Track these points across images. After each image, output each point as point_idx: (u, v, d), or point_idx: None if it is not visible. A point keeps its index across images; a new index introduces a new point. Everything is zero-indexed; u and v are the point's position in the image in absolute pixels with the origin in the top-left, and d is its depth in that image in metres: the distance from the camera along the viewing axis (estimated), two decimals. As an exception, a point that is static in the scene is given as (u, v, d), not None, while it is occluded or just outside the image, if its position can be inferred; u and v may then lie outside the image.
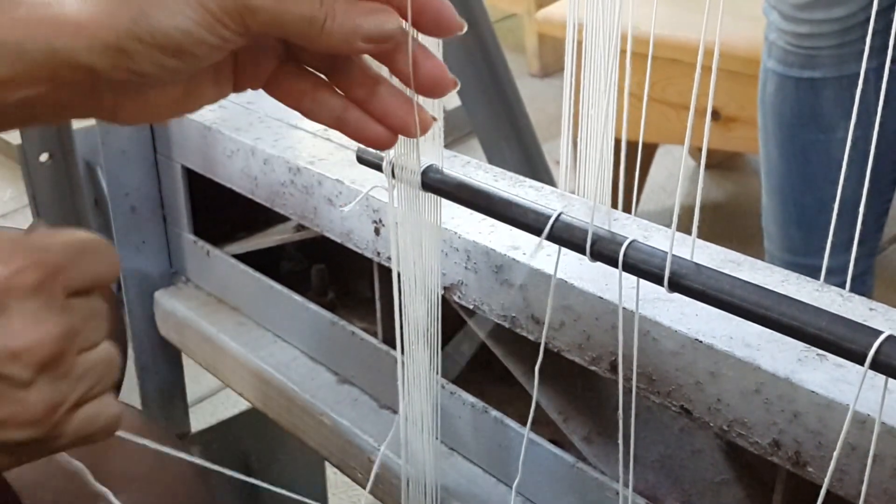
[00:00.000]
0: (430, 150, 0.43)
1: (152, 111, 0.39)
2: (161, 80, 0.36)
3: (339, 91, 0.40)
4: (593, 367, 0.46)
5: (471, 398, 0.55)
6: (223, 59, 0.38)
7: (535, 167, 1.38)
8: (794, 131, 1.12)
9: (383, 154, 0.45)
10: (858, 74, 1.12)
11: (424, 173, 0.43)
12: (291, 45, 0.39)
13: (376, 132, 0.39)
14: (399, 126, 0.39)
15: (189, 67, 0.36)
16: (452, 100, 1.79)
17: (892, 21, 0.99)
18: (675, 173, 1.84)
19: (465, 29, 0.39)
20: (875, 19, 1.09)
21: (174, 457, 0.51)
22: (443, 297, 0.52)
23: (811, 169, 1.12)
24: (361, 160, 0.46)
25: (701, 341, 0.41)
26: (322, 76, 0.40)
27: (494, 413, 0.53)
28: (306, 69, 0.40)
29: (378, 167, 0.45)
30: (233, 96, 0.44)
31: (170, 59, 0.35)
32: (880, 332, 0.30)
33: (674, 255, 0.35)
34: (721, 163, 1.89)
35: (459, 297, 0.52)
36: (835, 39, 1.04)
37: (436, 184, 0.43)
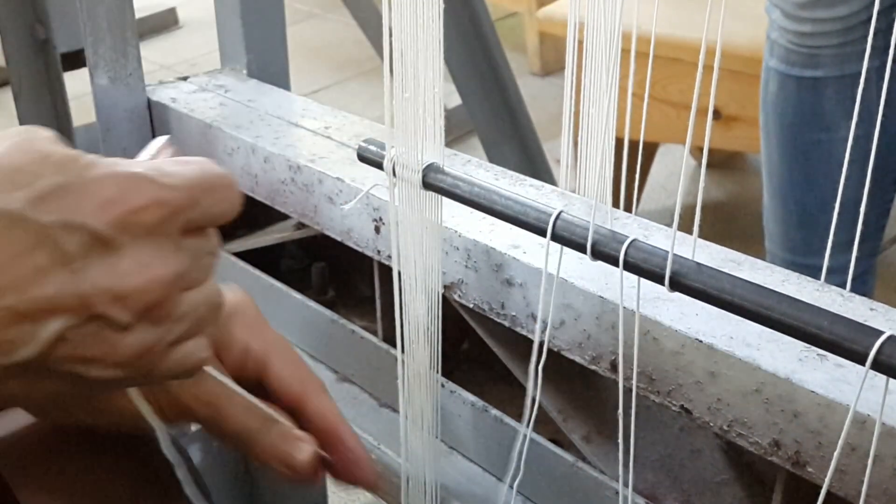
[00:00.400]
0: (432, 149, 0.43)
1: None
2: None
3: None
4: (593, 367, 0.46)
5: (471, 397, 0.55)
6: None
7: (536, 166, 1.38)
8: (796, 131, 1.12)
9: (384, 152, 0.45)
10: (860, 74, 1.11)
11: (425, 172, 0.43)
12: None
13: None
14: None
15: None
16: (453, 98, 1.79)
17: (894, 20, 0.99)
18: (676, 173, 1.84)
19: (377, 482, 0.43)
20: (877, 18, 1.09)
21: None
22: (443, 295, 0.52)
23: (812, 169, 1.12)
24: (362, 158, 0.46)
25: (701, 341, 0.40)
26: None
27: (494, 412, 0.53)
28: None
29: (379, 165, 0.45)
30: (234, 94, 0.44)
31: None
32: (881, 332, 0.30)
33: (675, 255, 0.35)
34: (722, 162, 1.89)
35: (459, 295, 0.52)
36: (837, 38, 1.04)
37: (437, 182, 0.43)
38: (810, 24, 1.06)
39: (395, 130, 0.43)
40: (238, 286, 0.42)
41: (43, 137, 0.30)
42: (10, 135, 0.29)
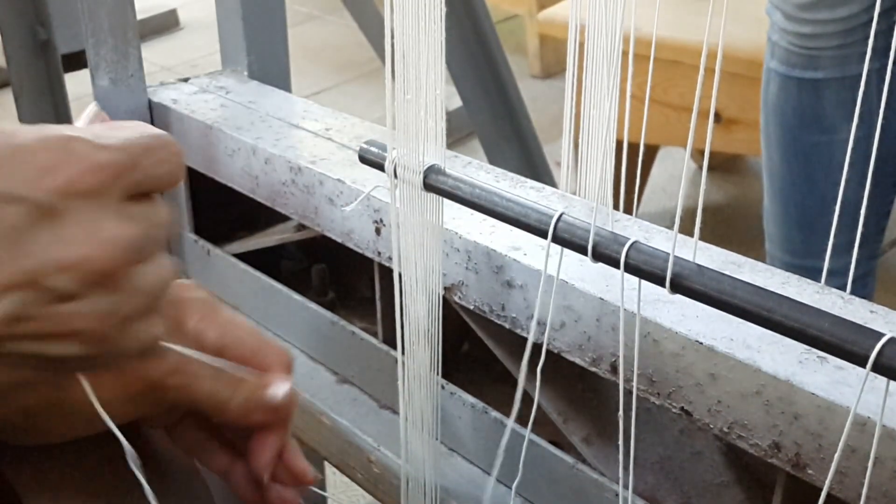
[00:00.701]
0: (433, 151, 0.43)
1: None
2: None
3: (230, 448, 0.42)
4: (594, 369, 0.46)
5: (471, 399, 0.55)
6: None
7: (537, 168, 1.38)
8: (796, 133, 1.13)
9: (385, 154, 0.45)
10: (861, 76, 1.12)
11: (426, 174, 0.43)
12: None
13: (249, 494, 0.41)
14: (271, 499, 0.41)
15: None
16: (454, 100, 1.79)
17: (894, 22, 0.99)
18: (676, 175, 1.84)
19: (317, 478, 0.44)
20: (877, 20, 1.09)
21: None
22: (443, 297, 0.52)
23: (813, 171, 1.12)
24: (364, 160, 0.46)
25: (701, 343, 0.41)
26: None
27: (494, 413, 0.53)
28: (204, 422, 0.42)
29: (380, 167, 0.45)
30: (235, 96, 0.44)
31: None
32: (882, 335, 0.30)
33: (676, 257, 0.35)
34: (722, 165, 1.89)
35: (460, 297, 0.52)
36: (837, 40, 1.04)
37: (438, 184, 0.43)
38: (811, 25, 1.06)
39: (397, 132, 0.43)
40: (203, 286, 0.41)
41: None
42: None
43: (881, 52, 1.02)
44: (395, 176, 0.44)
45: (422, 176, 0.43)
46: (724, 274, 0.34)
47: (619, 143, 0.46)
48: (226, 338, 0.40)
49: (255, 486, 0.41)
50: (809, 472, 0.38)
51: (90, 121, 0.34)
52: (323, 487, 0.98)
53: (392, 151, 0.44)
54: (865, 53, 1.03)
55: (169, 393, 0.38)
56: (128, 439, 0.37)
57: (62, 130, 0.29)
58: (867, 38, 1.02)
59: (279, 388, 0.40)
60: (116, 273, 0.29)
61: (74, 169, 0.28)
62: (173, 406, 0.39)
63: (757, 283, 0.35)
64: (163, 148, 0.31)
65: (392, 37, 0.41)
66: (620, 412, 0.40)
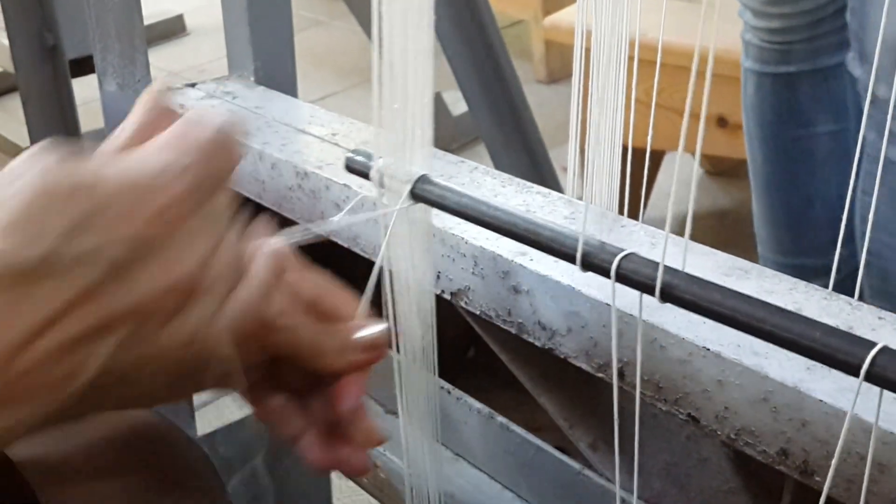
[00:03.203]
0: (421, 159, 0.43)
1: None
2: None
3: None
4: (600, 374, 0.46)
5: (477, 404, 0.54)
6: None
7: (542, 173, 1.38)
8: (775, 129, 1.14)
9: (371, 163, 0.44)
10: (832, 67, 1.13)
11: (415, 183, 0.43)
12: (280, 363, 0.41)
13: (321, 457, 0.42)
14: (336, 461, 0.42)
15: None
16: (460, 106, 1.79)
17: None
18: (682, 181, 1.84)
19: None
20: (844, 11, 1.08)
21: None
22: (449, 302, 0.52)
23: (794, 167, 1.13)
24: (350, 169, 0.46)
25: (709, 349, 0.40)
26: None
27: (500, 419, 0.53)
28: (284, 382, 0.42)
29: (366, 176, 0.45)
30: (241, 101, 0.44)
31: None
32: (874, 344, 0.29)
33: (666, 266, 0.35)
34: (728, 170, 1.88)
35: (466, 302, 0.52)
36: (806, 32, 1.06)
37: (425, 194, 0.43)
38: (778, 20, 1.07)
39: (384, 141, 0.43)
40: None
41: (50, 167, 0.30)
42: (17, 172, 0.30)
43: (850, 42, 1.02)
44: (382, 185, 0.44)
45: (409, 185, 0.43)
46: (714, 283, 0.34)
47: (625, 148, 0.46)
48: (319, 289, 0.41)
49: (327, 449, 0.42)
50: (817, 478, 0.38)
51: (143, 121, 0.34)
52: (328, 492, 0.98)
53: (378, 160, 0.44)
54: (835, 45, 1.04)
55: (278, 335, 0.38)
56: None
57: (135, 169, 0.31)
58: (836, 29, 1.03)
59: (376, 326, 0.41)
60: (199, 282, 0.32)
61: (149, 213, 0.30)
62: (271, 353, 0.39)
63: (764, 290, 0.35)
64: (222, 147, 0.33)
65: (380, 44, 0.41)
66: (621, 415, 0.40)
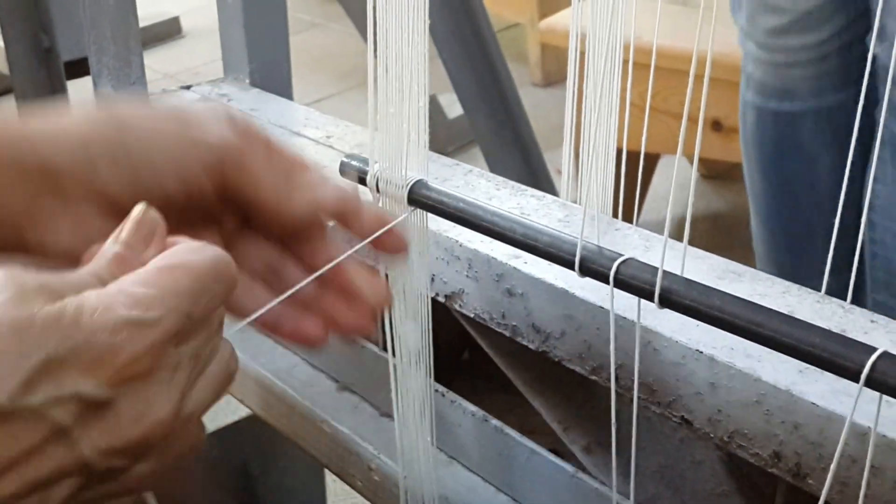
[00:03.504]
0: (416, 164, 0.43)
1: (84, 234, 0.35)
2: (118, 199, 0.35)
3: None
4: (594, 377, 0.46)
5: (471, 407, 0.55)
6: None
7: (537, 176, 1.38)
8: (777, 163, 1.11)
9: (366, 168, 0.44)
10: (836, 106, 1.11)
11: (412, 188, 0.43)
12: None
13: (307, 327, 0.38)
14: (335, 324, 0.38)
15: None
16: (455, 109, 1.79)
17: (867, 49, 0.99)
18: (678, 184, 1.84)
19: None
20: (850, 48, 1.07)
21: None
22: (444, 305, 0.52)
23: (796, 198, 1.10)
24: (344, 174, 0.46)
25: (702, 352, 0.40)
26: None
27: (495, 422, 0.53)
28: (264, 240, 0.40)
29: (362, 181, 0.45)
30: (236, 103, 0.44)
31: (142, 182, 0.35)
32: (874, 349, 0.29)
33: (665, 271, 0.35)
34: (723, 173, 1.89)
35: (460, 305, 0.52)
36: (812, 69, 1.03)
37: (421, 199, 0.43)
38: (783, 53, 1.04)
39: (380, 145, 0.43)
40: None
41: (20, 293, 0.27)
42: None
43: (856, 80, 1.01)
44: (378, 190, 0.44)
45: (405, 190, 0.43)
46: (713, 288, 0.34)
47: (620, 152, 0.46)
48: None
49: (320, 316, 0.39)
50: (810, 481, 0.38)
51: (132, 238, 0.31)
52: (322, 495, 0.98)
53: (374, 165, 0.44)
54: (841, 82, 1.00)
55: (244, 176, 0.36)
56: None
57: (112, 308, 0.28)
58: (841, 66, 1.00)
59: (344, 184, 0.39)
60: (167, 436, 0.30)
61: (124, 359, 0.28)
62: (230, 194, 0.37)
63: (757, 293, 0.35)
64: (218, 279, 0.30)
65: (375, 48, 0.41)
66: (613, 419, 0.40)
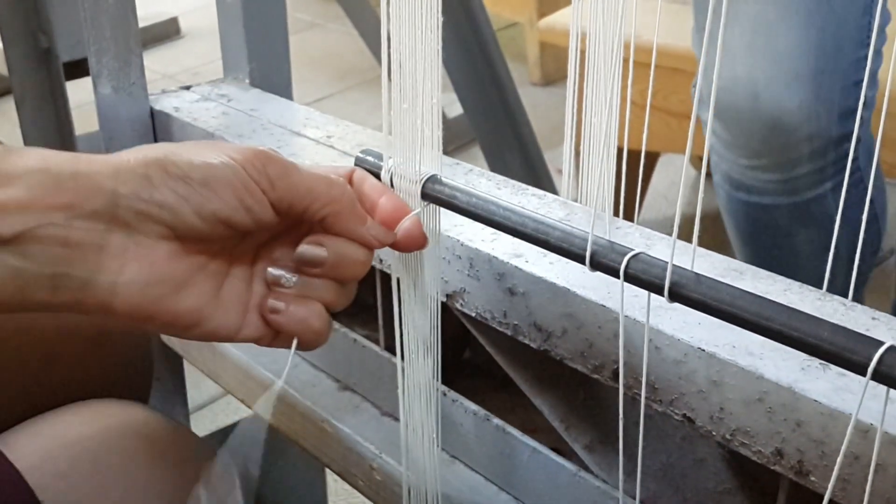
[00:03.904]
0: (430, 159, 0.43)
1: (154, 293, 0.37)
2: (180, 220, 0.36)
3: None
4: (595, 376, 0.46)
5: (473, 406, 0.55)
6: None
7: (538, 175, 1.38)
8: (755, 238, 1.03)
9: (381, 163, 0.45)
10: (812, 199, 1.07)
11: (425, 183, 0.43)
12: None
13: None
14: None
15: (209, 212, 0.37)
16: (455, 108, 1.79)
17: (846, 152, 0.96)
18: (678, 182, 1.84)
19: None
20: (827, 152, 1.03)
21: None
22: (445, 304, 0.52)
23: (776, 265, 1.02)
24: (360, 168, 0.46)
25: (704, 350, 0.40)
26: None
27: (496, 421, 0.53)
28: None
29: (377, 176, 0.45)
30: (236, 104, 0.44)
31: (193, 191, 0.36)
32: (882, 343, 0.29)
33: (674, 266, 0.35)
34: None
35: (462, 304, 0.52)
36: (780, 173, 0.94)
37: (435, 193, 0.43)
38: (746, 157, 0.95)
39: (394, 141, 0.43)
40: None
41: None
42: None
43: (833, 174, 0.96)
44: (392, 185, 0.44)
45: (419, 185, 0.43)
46: (722, 283, 0.34)
47: (620, 150, 0.46)
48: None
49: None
50: (812, 479, 0.38)
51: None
52: (324, 494, 0.98)
53: (388, 160, 0.44)
54: (815, 182, 0.93)
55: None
56: None
57: None
58: (815, 170, 0.92)
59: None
60: None
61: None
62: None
63: (758, 290, 0.35)
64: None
65: (389, 44, 0.41)
66: (621, 416, 0.40)
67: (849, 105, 0.88)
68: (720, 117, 0.93)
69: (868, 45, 0.87)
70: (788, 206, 0.96)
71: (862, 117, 0.90)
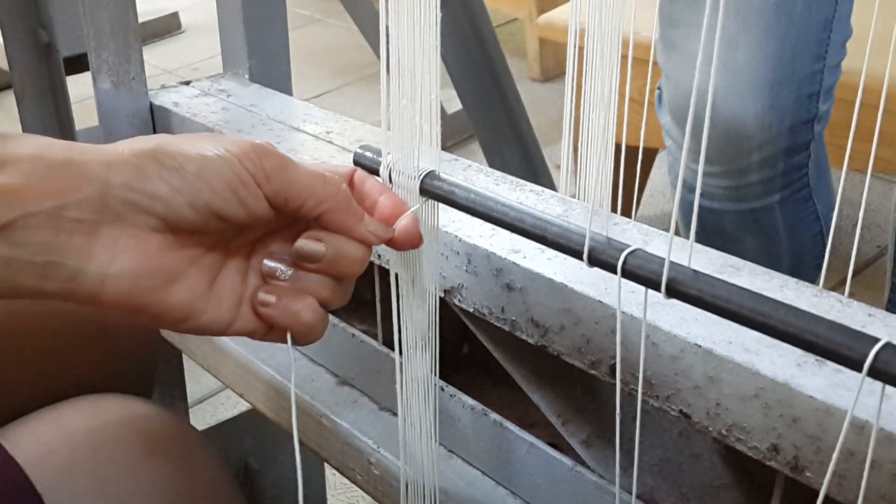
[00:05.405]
0: (428, 155, 0.43)
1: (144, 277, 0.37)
2: (172, 212, 0.36)
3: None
4: (593, 371, 0.46)
5: (470, 401, 0.55)
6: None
7: (536, 171, 1.38)
8: (704, 241, 1.06)
9: (380, 158, 0.45)
10: (759, 209, 1.06)
11: (424, 179, 0.43)
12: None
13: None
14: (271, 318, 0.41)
15: (199, 202, 0.37)
16: (454, 103, 1.79)
17: (795, 163, 0.95)
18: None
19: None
20: (775, 163, 1.03)
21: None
22: (443, 300, 0.52)
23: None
24: (358, 164, 0.46)
25: (700, 346, 0.41)
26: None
27: (494, 416, 0.53)
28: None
29: (375, 171, 0.45)
30: (236, 99, 0.44)
31: (187, 182, 0.36)
32: (877, 339, 0.30)
33: (672, 262, 0.35)
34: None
35: (459, 300, 0.52)
36: (731, 180, 0.96)
37: (434, 189, 0.43)
38: (697, 161, 0.96)
39: (392, 136, 0.43)
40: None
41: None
42: None
43: (781, 186, 0.96)
44: (391, 181, 0.44)
45: (418, 181, 0.43)
46: (719, 279, 0.34)
47: (618, 146, 0.46)
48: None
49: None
50: (808, 474, 0.38)
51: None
52: (323, 488, 0.99)
53: (387, 156, 0.44)
54: (764, 191, 0.94)
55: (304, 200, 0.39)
56: None
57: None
58: (765, 179, 0.93)
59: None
60: None
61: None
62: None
63: (755, 287, 0.35)
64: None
65: (388, 40, 0.41)
66: (618, 412, 0.40)
67: (801, 116, 0.89)
68: (678, 123, 0.94)
69: (825, 59, 0.88)
70: (736, 213, 0.98)
71: (814, 132, 0.91)
